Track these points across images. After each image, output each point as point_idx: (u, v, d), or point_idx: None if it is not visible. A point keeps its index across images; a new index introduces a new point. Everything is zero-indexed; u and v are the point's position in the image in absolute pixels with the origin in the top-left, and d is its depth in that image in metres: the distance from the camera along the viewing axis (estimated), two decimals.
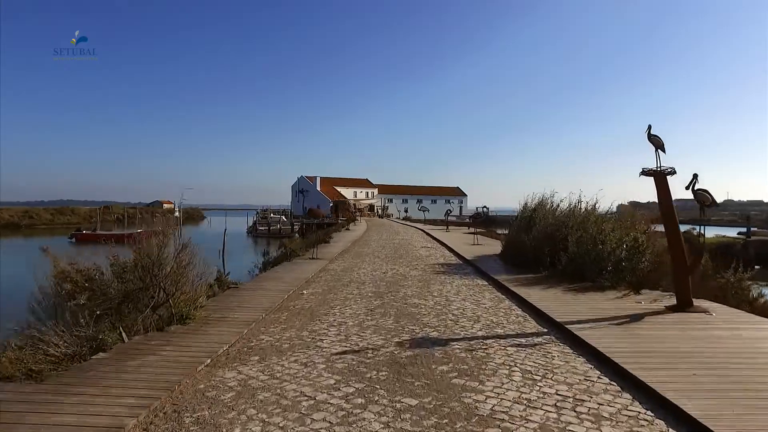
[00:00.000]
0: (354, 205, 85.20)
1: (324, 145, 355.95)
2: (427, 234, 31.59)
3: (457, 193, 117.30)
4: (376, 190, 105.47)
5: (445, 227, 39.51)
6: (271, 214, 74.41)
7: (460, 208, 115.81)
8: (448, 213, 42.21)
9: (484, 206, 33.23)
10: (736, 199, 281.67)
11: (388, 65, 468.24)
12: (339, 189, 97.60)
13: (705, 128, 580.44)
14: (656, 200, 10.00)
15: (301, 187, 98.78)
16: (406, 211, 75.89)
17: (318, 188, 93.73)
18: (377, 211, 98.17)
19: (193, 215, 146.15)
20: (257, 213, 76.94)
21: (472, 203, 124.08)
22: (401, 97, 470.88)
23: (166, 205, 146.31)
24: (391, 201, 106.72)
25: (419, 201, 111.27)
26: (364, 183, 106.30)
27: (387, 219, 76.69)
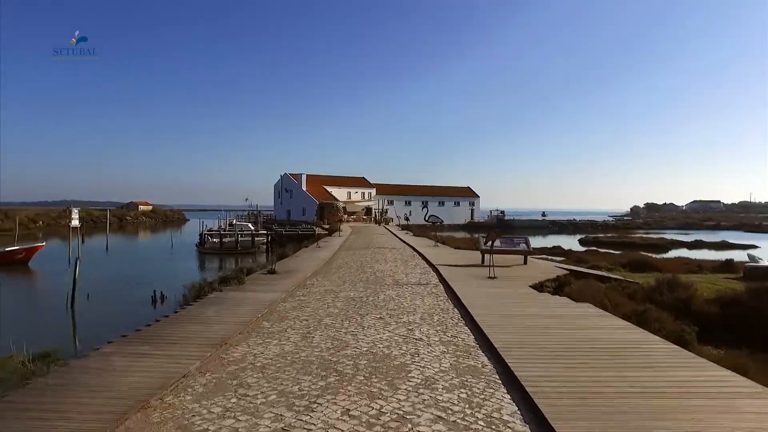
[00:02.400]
0: (344, 208, 67.06)
1: (318, 142, 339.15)
2: (458, 304, 11.74)
3: (468, 193, 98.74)
4: (373, 191, 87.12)
5: (485, 265, 17.14)
6: (234, 221, 56.26)
7: (472, 211, 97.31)
8: (492, 236, 18.46)
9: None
10: (760, 200, 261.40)
11: (386, 61, 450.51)
12: (329, 189, 79.41)
13: (723, 126, 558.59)
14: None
15: (285, 187, 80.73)
16: (406, 219, 57.93)
17: (303, 188, 75.61)
18: (375, 216, 79.92)
19: (172, 218, 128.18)
20: (220, 219, 58.29)
21: (484, 205, 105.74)
22: (399, 94, 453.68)
23: (142, 207, 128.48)
24: (391, 203, 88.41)
25: (424, 203, 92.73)
26: (360, 182, 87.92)
27: (384, 227, 58.60)
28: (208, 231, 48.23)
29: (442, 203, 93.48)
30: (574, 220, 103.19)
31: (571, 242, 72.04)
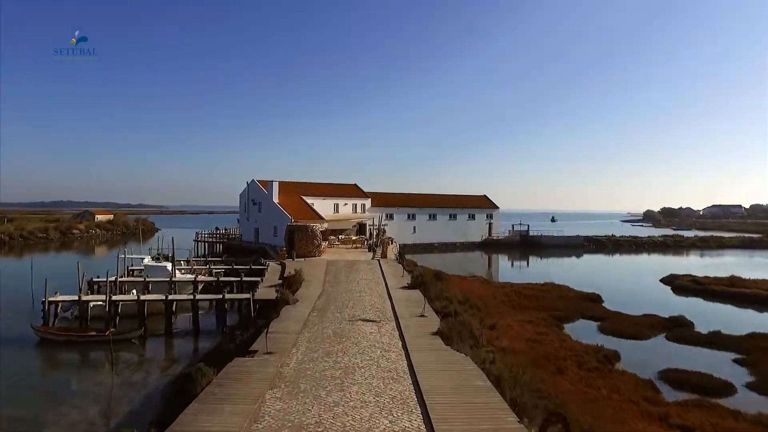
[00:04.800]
0: (322, 232, 46.99)
1: (314, 145, 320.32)
2: None
3: (485, 203, 78.87)
4: (368, 202, 67.44)
5: None
6: (146, 258, 36.29)
7: (489, 225, 77.58)
8: None
9: None
10: None
11: (385, 61, 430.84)
12: (310, 200, 59.76)
13: (724, 128, 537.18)
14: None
15: (252, 198, 61.05)
16: (399, 260, 37.58)
17: (274, 199, 56.03)
18: (371, 235, 60.16)
19: (135, 229, 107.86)
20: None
21: (504, 217, 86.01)
22: (393, 96, 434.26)
23: (100, 216, 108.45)
24: (390, 217, 68.78)
25: (432, 216, 73.12)
26: (351, 191, 68.05)
27: (379, 261, 38.43)
28: (89, 283, 28.37)
29: (453, 217, 73.76)
30: (612, 236, 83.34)
31: (638, 274, 50.51)
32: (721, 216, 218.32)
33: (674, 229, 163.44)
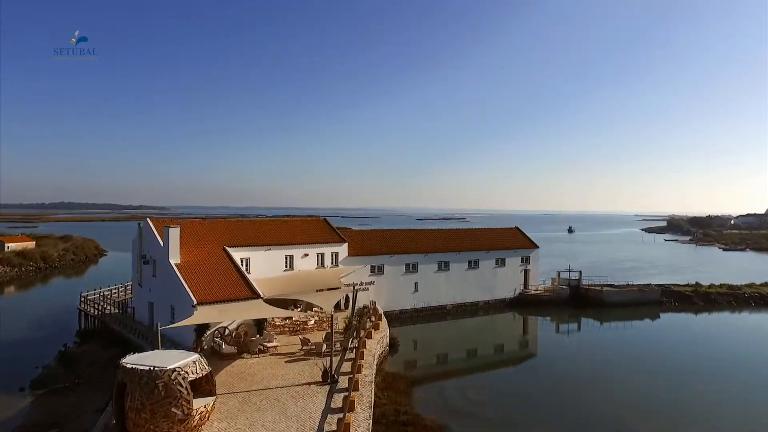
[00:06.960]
0: (189, 385, 21.23)
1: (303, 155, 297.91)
2: None
3: (518, 242, 53.00)
4: (343, 249, 42.28)
5: None
6: None
7: (525, 272, 52.19)
8: None
9: None
10: None
11: (381, 62, 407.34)
12: (243, 254, 34.91)
13: (724, 129, 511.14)
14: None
15: (144, 251, 36.10)
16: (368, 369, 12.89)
17: (172, 259, 31.36)
18: (351, 324, 34.94)
19: (60, 262, 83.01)
20: None
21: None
22: (386, 100, 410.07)
23: (10, 244, 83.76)
24: (379, 270, 43.70)
25: (442, 266, 47.96)
26: (316, 232, 42.51)
27: None
28: None
29: (474, 264, 48.42)
30: (698, 284, 57.72)
31: None
32: (759, 227, 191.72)
33: (724, 249, 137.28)
